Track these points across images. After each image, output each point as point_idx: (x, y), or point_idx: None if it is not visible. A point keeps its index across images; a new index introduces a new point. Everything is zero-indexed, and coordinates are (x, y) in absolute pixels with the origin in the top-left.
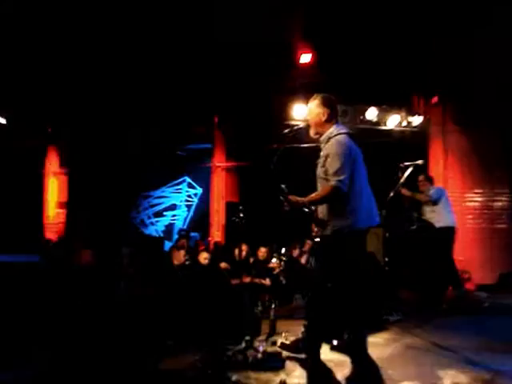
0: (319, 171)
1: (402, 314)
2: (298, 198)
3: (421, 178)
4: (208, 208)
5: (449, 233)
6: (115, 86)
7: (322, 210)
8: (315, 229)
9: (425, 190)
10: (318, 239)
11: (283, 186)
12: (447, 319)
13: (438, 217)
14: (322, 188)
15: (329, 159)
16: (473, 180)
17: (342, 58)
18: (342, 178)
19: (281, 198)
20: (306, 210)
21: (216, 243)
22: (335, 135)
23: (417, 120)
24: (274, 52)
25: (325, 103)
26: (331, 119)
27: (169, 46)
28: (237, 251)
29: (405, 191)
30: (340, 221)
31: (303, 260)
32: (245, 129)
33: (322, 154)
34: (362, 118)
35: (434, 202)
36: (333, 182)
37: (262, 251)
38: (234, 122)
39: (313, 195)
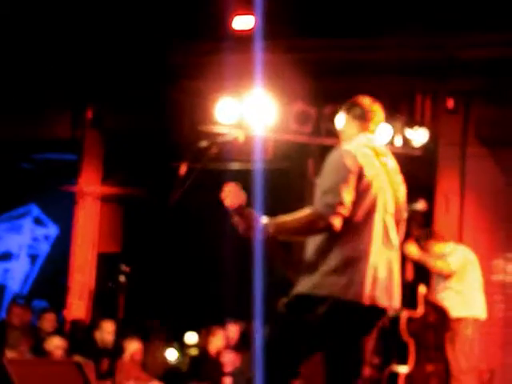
0: None
1: None
2: (259, 219)
3: (428, 233)
4: (67, 261)
5: (470, 327)
6: None
7: (311, 252)
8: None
9: (436, 252)
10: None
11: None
12: None
13: (456, 299)
14: (303, 212)
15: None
16: (507, 237)
17: (302, 26)
18: (332, 201)
19: (230, 209)
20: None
21: (75, 322)
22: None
23: (419, 135)
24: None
25: (358, 115)
26: (363, 130)
27: None
28: (98, 335)
29: (412, 250)
30: (326, 277)
31: (227, 359)
32: (137, 133)
33: None
34: (330, 127)
35: (454, 276)
36: (318, 205)
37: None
38: (119, 120)
39: (285, 219)
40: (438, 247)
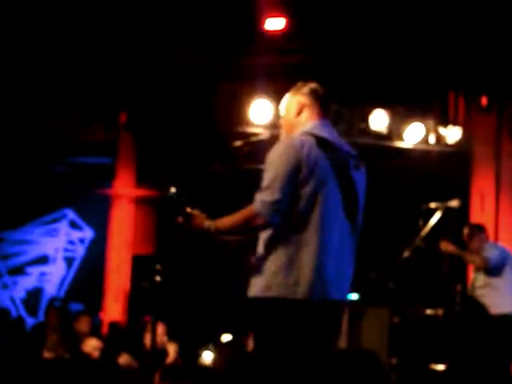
0: None
1: None
2: (203, 219)
3: (469, 229)
4: (102, 263)
5: (509, 323)
6: None
7: (259, 251)
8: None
9: (479, 249)
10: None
11: (173, 190)
12: None
13: (495, 296)
14: (242, 210)
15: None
16: None
17: (335, 27)
18: (269, 198)
19: (174, 207)
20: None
21: (113, 324)
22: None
23: (453, 134)
24: (219, 12)
25: (307, 93)
26: (310, 116)
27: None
28: (148, 337)
29: (448, 246)
30: (273, 278)
31: None
32: (170, 136)
33: None
34: (363, 126)
35: (492, 271)
36: (255, 202)
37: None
38: (152, 123)
39: (226, 219)
40: (479, 241)
